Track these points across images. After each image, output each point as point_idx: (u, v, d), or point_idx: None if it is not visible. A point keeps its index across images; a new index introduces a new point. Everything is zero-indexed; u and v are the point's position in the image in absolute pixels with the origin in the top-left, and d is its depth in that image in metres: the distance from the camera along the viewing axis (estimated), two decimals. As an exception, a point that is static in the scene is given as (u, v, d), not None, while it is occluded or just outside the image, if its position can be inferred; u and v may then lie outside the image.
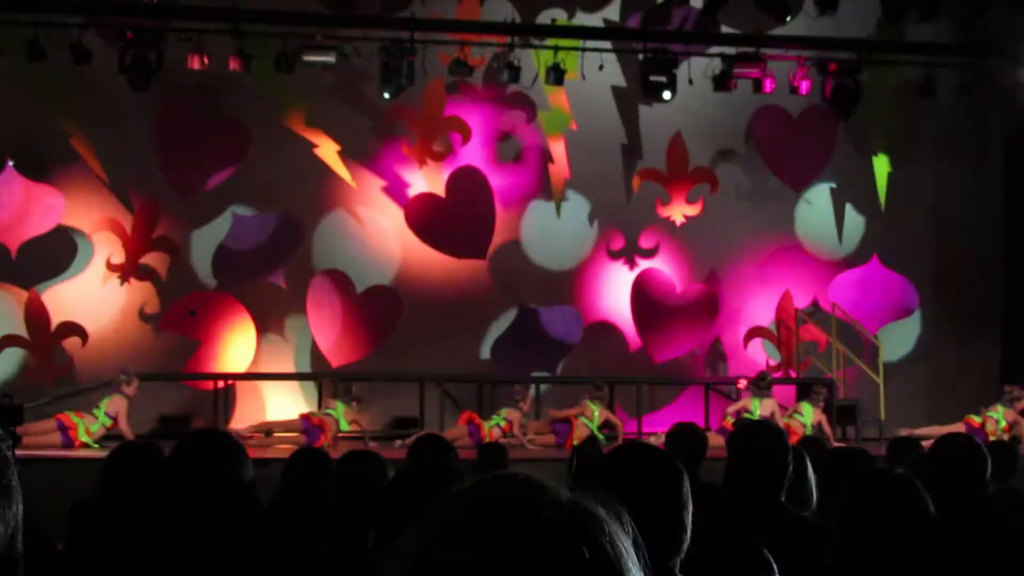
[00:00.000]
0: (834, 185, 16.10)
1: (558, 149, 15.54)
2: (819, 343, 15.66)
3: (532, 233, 15.56)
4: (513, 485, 1.12)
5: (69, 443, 12.25)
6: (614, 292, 15.69)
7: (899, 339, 16.03)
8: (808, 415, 13.52)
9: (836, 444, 11.52)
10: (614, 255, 15.75)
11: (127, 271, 14.53)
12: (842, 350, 15.26)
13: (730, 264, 15.93)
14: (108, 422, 12.45)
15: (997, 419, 13.41)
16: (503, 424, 13.19)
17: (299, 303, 14.81)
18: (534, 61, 14.41)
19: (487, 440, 12.31)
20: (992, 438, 12.19)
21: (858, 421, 14.29)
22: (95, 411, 12.53)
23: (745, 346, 15.84)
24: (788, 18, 13.62)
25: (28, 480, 1.20)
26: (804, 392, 14.77)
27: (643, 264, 15.74)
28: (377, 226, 15.13)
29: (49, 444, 12.17)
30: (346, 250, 15.04)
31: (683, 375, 15.67)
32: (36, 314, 14.24)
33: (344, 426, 12.99)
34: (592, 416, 13.45)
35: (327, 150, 14.93)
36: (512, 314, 15.36)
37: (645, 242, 15.77)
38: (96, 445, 12.14)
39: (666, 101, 14.32)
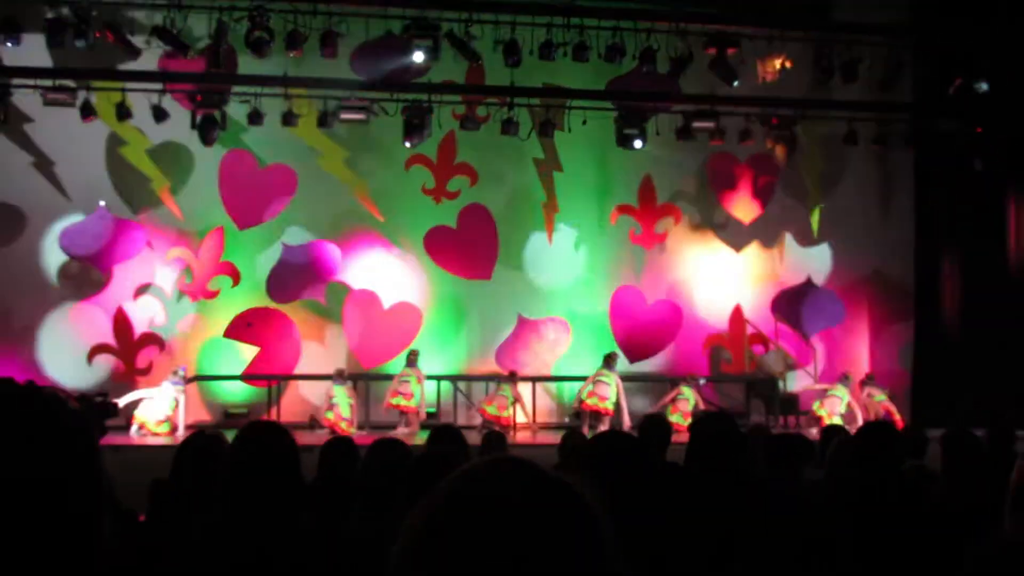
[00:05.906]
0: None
1: (549, 189, 15.54)
2: (764, 347, 15.62)
3: (528, 257, 15.54)
4: (508, 465, 1.13)
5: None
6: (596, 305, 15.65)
7: (828, 342, 16.00)
8: (690, 397, 13.49)
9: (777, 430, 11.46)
10: (596, 275, 15.73)
11: (196, 290, 14.53)
12: (784, 352, 15.20)
13: (690, 282, 15.90)
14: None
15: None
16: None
17: (336, 316, 14.80)
18: (529, 117, 14.44)
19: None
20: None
21: (798, 410, 14.25)
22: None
23: (703, 350, 15.80)
24: (735, 83, 13.59)
25: (113, 463, 1.20)
26: (752, 388, 14.71)
27: (619, 282, 15.71)
28: (401, 252, 15.13)
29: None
30: (375, 272, 15.03)
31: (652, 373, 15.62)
32: (123, 327, 14.23)
33: (346, 411, 12.97)
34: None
35: (360, 190, 14.92)
36: (512, 324, 15.33)
37: (621, 264, 15.75)
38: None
39: (638, 149, 14.29)
